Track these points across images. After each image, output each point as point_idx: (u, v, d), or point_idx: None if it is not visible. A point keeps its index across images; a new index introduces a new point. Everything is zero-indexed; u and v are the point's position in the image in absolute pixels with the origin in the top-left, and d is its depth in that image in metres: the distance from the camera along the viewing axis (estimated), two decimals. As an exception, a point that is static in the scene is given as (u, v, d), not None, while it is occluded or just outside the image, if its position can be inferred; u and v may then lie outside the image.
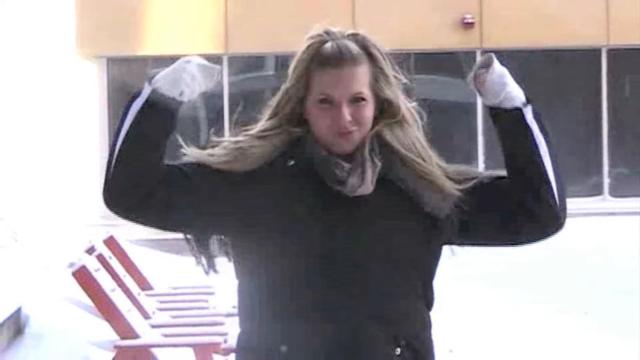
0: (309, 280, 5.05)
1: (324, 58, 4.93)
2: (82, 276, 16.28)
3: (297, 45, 5.48)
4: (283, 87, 5.13)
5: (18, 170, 33.53)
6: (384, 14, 34.85)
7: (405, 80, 5.32)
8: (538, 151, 5.26)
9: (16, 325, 16.35)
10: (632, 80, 37.64)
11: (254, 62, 38.79)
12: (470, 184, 5.13)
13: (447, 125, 36.33)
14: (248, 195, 5.09)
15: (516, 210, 5.17)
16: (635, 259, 26.47)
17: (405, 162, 5.04)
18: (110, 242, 21.02)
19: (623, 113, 36.73)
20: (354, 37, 5.11)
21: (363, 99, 4.90)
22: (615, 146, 36.33)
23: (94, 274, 16.53)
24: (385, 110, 5.06)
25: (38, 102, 38.75)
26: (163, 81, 5.01)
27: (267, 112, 5.24)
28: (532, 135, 5.26)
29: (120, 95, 35.21)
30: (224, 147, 5.25)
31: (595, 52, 36.74)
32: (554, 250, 22.65)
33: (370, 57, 4.99)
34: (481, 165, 34.65)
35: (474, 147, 37.05)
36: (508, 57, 31.41)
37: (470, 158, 35.51)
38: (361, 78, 4.94)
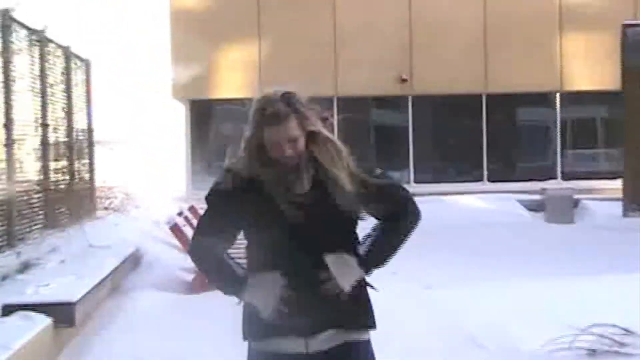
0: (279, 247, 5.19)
1: (266, 121, 5.06)
2: (175, 229, 16.77)
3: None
4: (246, 134, 5.25)
5: (139, 169, 34.08)
6: (354, 73, 33.45)
7: (324, 115, 5.43)
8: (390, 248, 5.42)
9: (136, 259, 16.33)
10: (504, 112, 35.89)
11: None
12: (364, 189, 5.16)
13: (385, 141, 35.27)
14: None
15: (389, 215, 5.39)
16: (500, 218, 26.30)
17: (325, 169, 5.12)
18: (192, 209, 21.69)
19: (495, 131, 35.13)
20: (285, 98, 5.18)
21: (295, 139, 5.05)
22: (491, 150, 35.10)
23: (182, 228, 17.18)
24: (313, 136, 5.14)
25: (150, 126, 39.99)
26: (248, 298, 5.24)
27: (242, 149, 5.30)
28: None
29: (198, 125, 35.91)
30: None
31: (477, 97, 35.14)
32: (459, 209, 27.65)
33: (296, 111, 5.06)
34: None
35: (405, 159, 34.75)
36: (427, 99, 34.81)
37: (402, 167, 34.41)
38: (292, 127, 5.05)
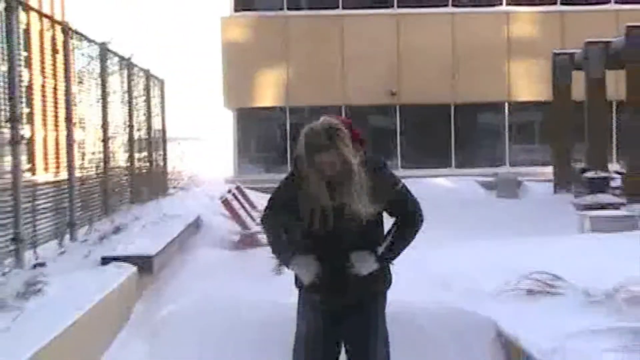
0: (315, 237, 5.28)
1: (313, 149, 5.03)
2: (225, 203, 17.15)
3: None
4: (298, 155, 5.24)
5: (199, 159, 33.65)
6: (357, 87, 33.35)
7: (362, 138, 5.38)
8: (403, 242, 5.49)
9: (197, 224, 15.90)
10: (467, 117, 35.06)
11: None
12: (380, 206, 5.21)
13: (380, 138, 34.19)
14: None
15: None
16: (463, 194, 26.49)
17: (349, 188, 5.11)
18: (237, 188, 21.15)
19: (460, 131, 34.57)
20: (327, 132, 5.11)
21: (332, 163, 5.02)
22: (457, 144, 34.61)
23: (230, 202, 17.53)
24: (346, 164, 5.06)
25: (207, 127, 40.72)
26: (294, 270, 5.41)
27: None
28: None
29: (242, 126, 35.39)
30: None
31: (447, 106, 34.68)
32: (433, 187, 26.58)
33: (335, 145, 5.00)
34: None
35: (395, 151, 34.41)
36: (411, 107, 34.51)
37: (392, 157, 33.77)
38: (330, 155, 4.99)
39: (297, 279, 5.51)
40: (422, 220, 5.44)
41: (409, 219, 5.41)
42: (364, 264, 5.25)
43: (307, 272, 5.34)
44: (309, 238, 5.37)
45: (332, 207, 5.21)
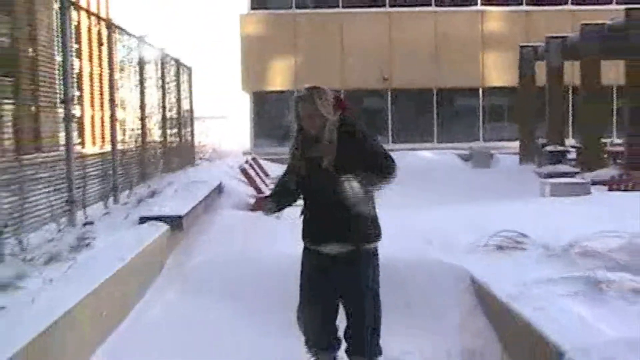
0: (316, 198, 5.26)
1: (297, 100, 5.13)
2: (243, 171, 17.24)
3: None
4: (293, 117, 5.26)
5: (221, 134, 34.47)
6: (354, 74, 33.71)
7: (337, 95, 5.32)
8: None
9: (220, 189, 15.39)
10: (448, 100, 35.65)
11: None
12: (353, 162, 5.03)
13: (374, 118, 34.56)
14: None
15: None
16: (444, 165, 25.99)
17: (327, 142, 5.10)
18: (254, 159, 21.55)
19: (442, 111, 35.31)
20: (310, 88, 5.19)
21: (311, 116, 5.03)
22: (439, 123, 35.08)
23: (248, 170, 17.51)
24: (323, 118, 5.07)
25: (228, 107, 40.23)
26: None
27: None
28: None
29: (257, 106, 35.62)
30: None
31: (430, 90, 35.17)
32: (419, 159, 26.20)
33: (312, 96, 5.05)
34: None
35: (387, 128, 34.68)
36: (400, 91, 34.85)
37: (384, 133, 34.10)
38: (308, 107, 5.03)
39: (302, 232, 5.39)
40: (394, 169, 5.15)
41: (382, 163, 5.11)
42: (353, 186, 4.94)
43: (266, 208, 5.32)
44: (303, 191, 5.34)
45: (311, 161, 5.18)
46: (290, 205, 5.46)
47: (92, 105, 12.65)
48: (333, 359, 5.48)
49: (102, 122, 13.08)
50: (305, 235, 5.41)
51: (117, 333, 6.60)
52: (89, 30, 12.13)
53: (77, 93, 10.47)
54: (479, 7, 35.35)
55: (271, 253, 8.65)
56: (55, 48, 9.38)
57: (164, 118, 16.84)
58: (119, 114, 12.83)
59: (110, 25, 12.66)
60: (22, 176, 7.93)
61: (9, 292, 5.78)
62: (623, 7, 22.38)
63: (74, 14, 10.27)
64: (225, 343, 6.39)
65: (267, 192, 15.94)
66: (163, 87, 16.84)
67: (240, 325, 6.68)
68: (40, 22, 9.00)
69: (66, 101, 9.42)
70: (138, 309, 7.41)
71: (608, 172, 20.06)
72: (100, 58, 12.24)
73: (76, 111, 10.19)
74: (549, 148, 23.97)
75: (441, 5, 35.29)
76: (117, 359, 6.02)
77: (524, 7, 35.23)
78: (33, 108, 8.83)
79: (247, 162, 19.47)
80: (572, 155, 24.29)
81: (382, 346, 5.35)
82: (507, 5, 35.24)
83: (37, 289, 5.91)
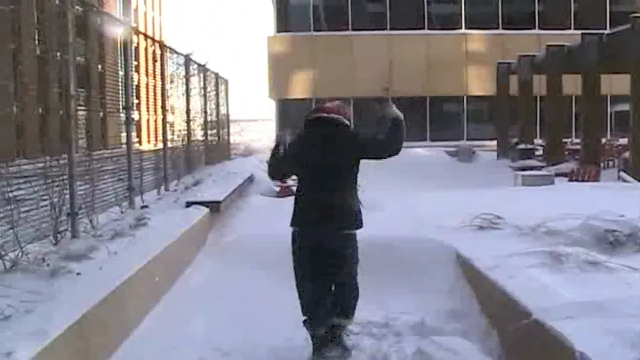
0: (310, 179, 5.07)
1: (309, 121, 5.14)
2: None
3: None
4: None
5: (252, 135, 34.22)
6: (361, 84, 33.01)
7: (343, 104, 5.20)
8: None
9: (251, 179, 14.92)
10: (438, 106, 34.99)
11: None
12: (352, 155, 4.96)
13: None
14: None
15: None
16: (435, 159, 25.94)
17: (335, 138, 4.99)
18: None
19: (433, 116, 34.91)
20: (319, 110, 5.14)
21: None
22: (430, 125, 34.59)
23: None
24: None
25: (257, 112, 39.27)
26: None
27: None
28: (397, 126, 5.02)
29: (281, 112, 35.00)
30: None
31: (423, 98, 34.52)
32: (414, 155, 26.20)
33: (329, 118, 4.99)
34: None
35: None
36: (405, 100, 34.25)
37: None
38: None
39: (292, 219, 5.11)
40: (395, 147, 5.06)
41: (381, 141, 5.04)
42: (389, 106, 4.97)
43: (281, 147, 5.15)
44: (300, 181, 5.20)
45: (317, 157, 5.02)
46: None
47: (148, 111, 12.72)
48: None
49: (156, 124, 13.16)
50: (296, 220, 5.12)
51: (169, 295, 6.67)
52: (146, 49, 12.28)
53: (135, 101, 10.59)
54: (463, 30, 34.93)
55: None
56: (119, 65, 9.50)
57: (205, 121, 16.85)
58: (169, 117, 12.92)
59: (162, 46, 12.82)
60: (92, 168, 8.01)
61: (83, 262, 5.87)
62: (580, 32, 22.42)
63: (134, 37, 10.40)
64: (255, 303, 6.42)
65: (289, 182, 15.78)
66: (205, 96, 16.86)
67: (267, 289, 6.71)
68: (107, 44, 9.11)
69: (127, 107, 9.52)
70: (185, 275, 7.49)
71: (568, 166, 20.00)
72: (154, 72, 12.39)
73: (135, 115, 10.34)
74: (520, 146, 24.15)
75: (432, 29, 34.94)
76: (169, 315, 6.07)
77: (500, 31, 34.76)
78: (101, 113, 8.96)
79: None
80: (539, 152, 24.24)
81: (385, 307, 5.32)
82: (486, 29, 34.81)
83: (105, 259, 6.01)
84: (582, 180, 17.01)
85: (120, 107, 9.45)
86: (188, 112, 14.58)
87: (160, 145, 12.45)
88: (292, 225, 5.13)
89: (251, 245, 8.12)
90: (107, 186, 8.63)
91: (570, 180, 17.25)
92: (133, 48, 9.91)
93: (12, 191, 5.78)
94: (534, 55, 25.64)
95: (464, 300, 6.27)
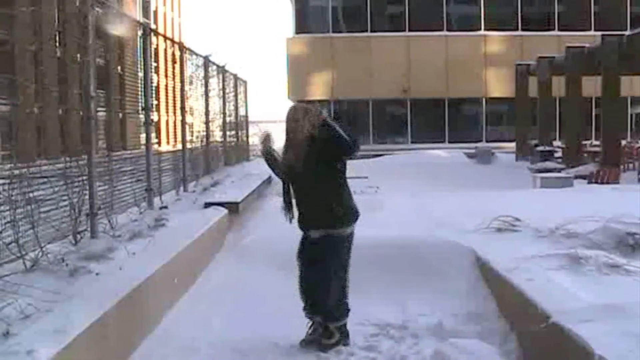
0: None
1: (287, 120, 5.26)
2: None
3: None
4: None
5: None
6: (380, 86, 33.53)
7: (320, 109, 5.29)
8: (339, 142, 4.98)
9: (269, 181, 14.57)
10: (457, 108, 35.27)
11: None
12: (320, 156, 5.06)
13: (396, 123, 35.24)
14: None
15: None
16: (453, 161, 26.13)
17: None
18: None
19: (452, 118, 35.28)
20: (296, 108, 5.28)
21: (294, 130, 5.13)
22: (449, 127, 34.56)
23: None
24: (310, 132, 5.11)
25: (276, 112, 38.74)
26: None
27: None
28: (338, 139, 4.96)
29: None
30: None
31: (443, 100, 34.72)
32: (433, 156, 26.81)
33: (297, 119, 5.16)
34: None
35: (407, 132, 34.95)
36: (418, 101, 34.62)
37: (404, 135, 34.65)
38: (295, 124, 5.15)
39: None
40: (351, 147, 5.05)
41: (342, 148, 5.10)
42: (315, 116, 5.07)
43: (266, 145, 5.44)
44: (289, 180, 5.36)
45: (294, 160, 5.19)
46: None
47: (167, 112, 12.75)
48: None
49: (175, 125, 13.15)
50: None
51: (188, 294, 6.72)
52: (165, 51, 12.27)
53: (155, 102, 10.61)
54: (482, 32, 34.99)
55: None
56: (138, 66, 9.51)
57: (224, 122, 16.85)
58: (188, 118, 12.89)
59: (181, 47, 12.82)
60: (112, 169, 8.02)
61: (102, 262, 5.88)
62: (600, 33, 22.28)
63: (153, 39, 10.47)
64: (270, 301, 6.48)
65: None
66: (223, 97, 16.83)
67: (282, 289, 6.62)
68: (127, 45, 9.13)
69: (146, 108, 9.53)
70: (204, 275, 7.53)
71: (587, 168, 19.85)
72: (173, 73, 12.39)
73: (154, 116, 10.35)
74: (539, 148, 24.06)
75: (451, 30, 34.98)
76: (188, 314, 6.11)
77: (519, 32, 34.85)
78: (120, 114, 9.00)
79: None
80: (559, 154, 24.15)
81: (403, 308, 5.29)
82: (505, 30, 34.88)
83: (123, 260, 6.02)
84: (602, 183, 16.97)
85: (140, 108, 9.49)
86: (207, 113, 14.58)
87: (179, 146, 12.42)
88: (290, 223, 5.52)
89: (269, 246, 8.09)
90: (126, 187, 8.63)
91: (589, 183, 17.19)
92: (152, 49, 9.94)
93: (32, 191, 5.81)
94: (553, 57, 25.63)
95: (482, 302, 6.24)
